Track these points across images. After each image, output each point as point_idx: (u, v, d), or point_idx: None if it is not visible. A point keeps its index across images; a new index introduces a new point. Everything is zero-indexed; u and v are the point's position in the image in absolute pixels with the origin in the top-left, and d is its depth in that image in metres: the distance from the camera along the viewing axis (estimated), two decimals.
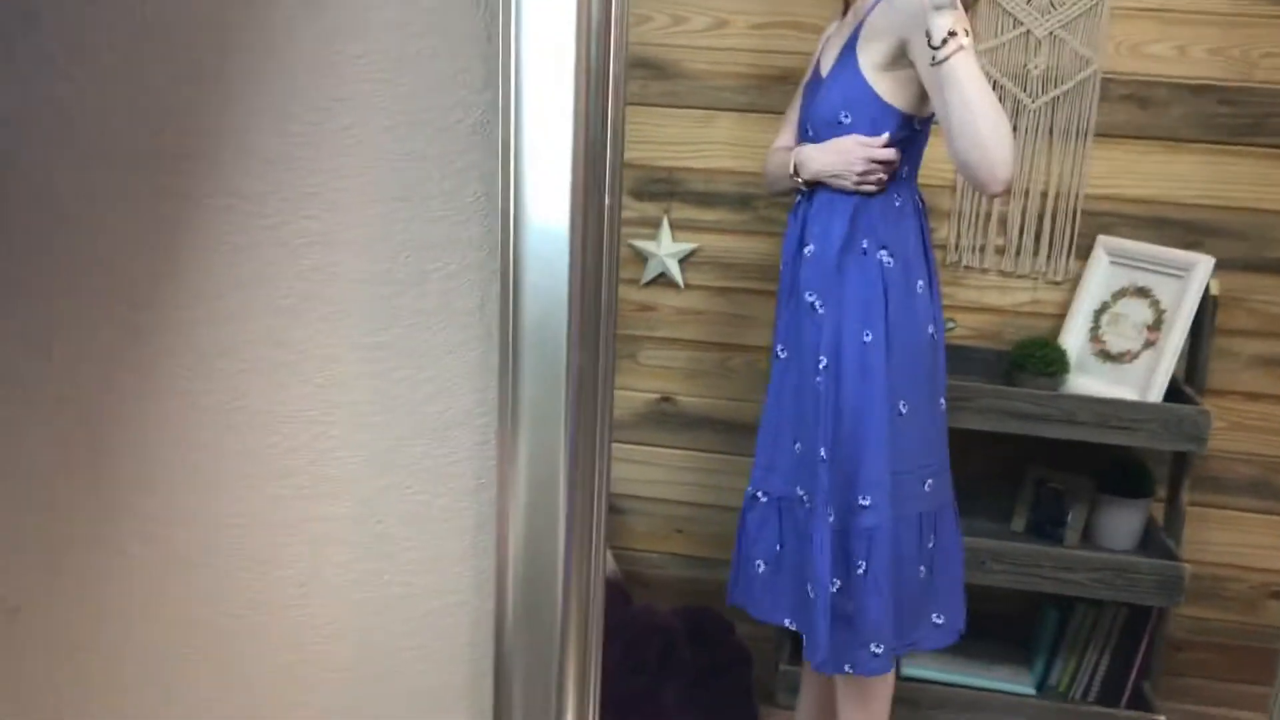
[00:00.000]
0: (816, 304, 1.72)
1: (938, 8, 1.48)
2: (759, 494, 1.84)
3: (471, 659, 1.03)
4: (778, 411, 1.81)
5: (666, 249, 2.35)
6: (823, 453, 1.71)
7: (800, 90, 1.85)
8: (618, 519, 2.56)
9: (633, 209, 2.36)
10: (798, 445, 1.78)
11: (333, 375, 0.95)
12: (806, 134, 1.76)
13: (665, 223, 2.35)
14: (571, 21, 0.71)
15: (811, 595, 1.74)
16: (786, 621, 1.81)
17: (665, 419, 2.47)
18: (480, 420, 0.94)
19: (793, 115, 1.87)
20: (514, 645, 0.90)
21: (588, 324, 0.77)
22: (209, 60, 0.90)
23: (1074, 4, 2.14)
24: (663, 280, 2.38)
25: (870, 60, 1.65)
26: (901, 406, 1.70)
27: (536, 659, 0.91)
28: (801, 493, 1.77)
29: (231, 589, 1.05)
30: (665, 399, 2.46)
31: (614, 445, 2.49)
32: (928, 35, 1.51)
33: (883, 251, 1.70)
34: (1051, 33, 2.16)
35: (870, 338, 1.68)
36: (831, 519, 1.72)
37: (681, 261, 2.37)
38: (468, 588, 1.00)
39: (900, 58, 1.62)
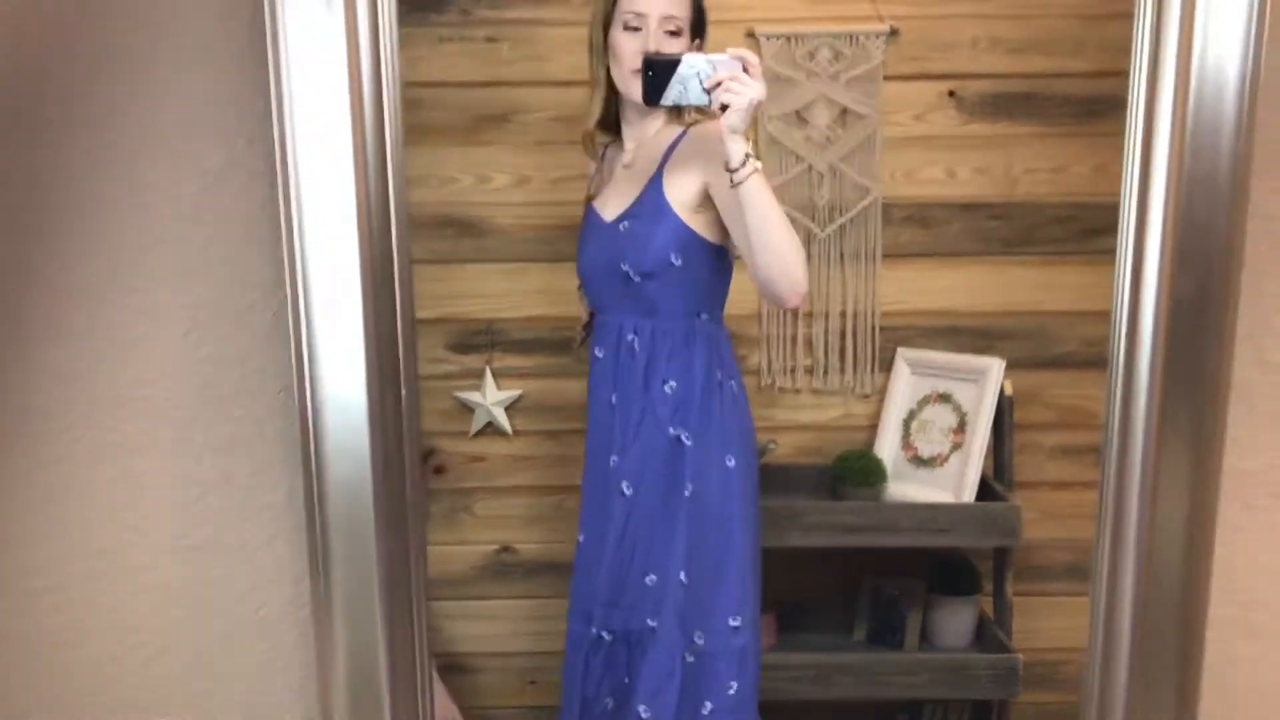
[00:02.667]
0: (684, 437, 1.76)
1: (734, 131, 1.56)
2: (602, 634, 1.83)
3: None
4: (622, 548, 1.81)
5: (492, 398, 2.38)
6: (682, 577, 1.74)
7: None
8: (468, 678, 2.51)
9: (454, 362, 2.38)
10: (650, 577, 1.79)
11: (146, 582, 0.93)
12: (611, 283, 1.80)
13: (488, 373, 2.37)
14: (353, 223, 0.74)
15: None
16: None
17: (506, 569, 2.46)
18: (301, 612, 0.93)
19: None
20: None
21: (394, 511, 0.78)
22: None
23: (849, 138, 2.30)
24: (491, 430, 2.40)
25: (680, 201, 1.72)
26: (755, 523, 1.79)
27: None
28: (653, 624, 1.78)
29: None
30: (504, 549, 2.45)
31: (456, 603, 2.43)
32: (725, 161, 1.59)
33: (731, 381, 1.80)
34: (832, 166, 2.31)
35: (733, 463, 1.77)
36: (701, 641, 1.75)
37: (508, 409, 2.39)
38: None
39: (705, 198, 1.71)
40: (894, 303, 2.36)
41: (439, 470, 2.42)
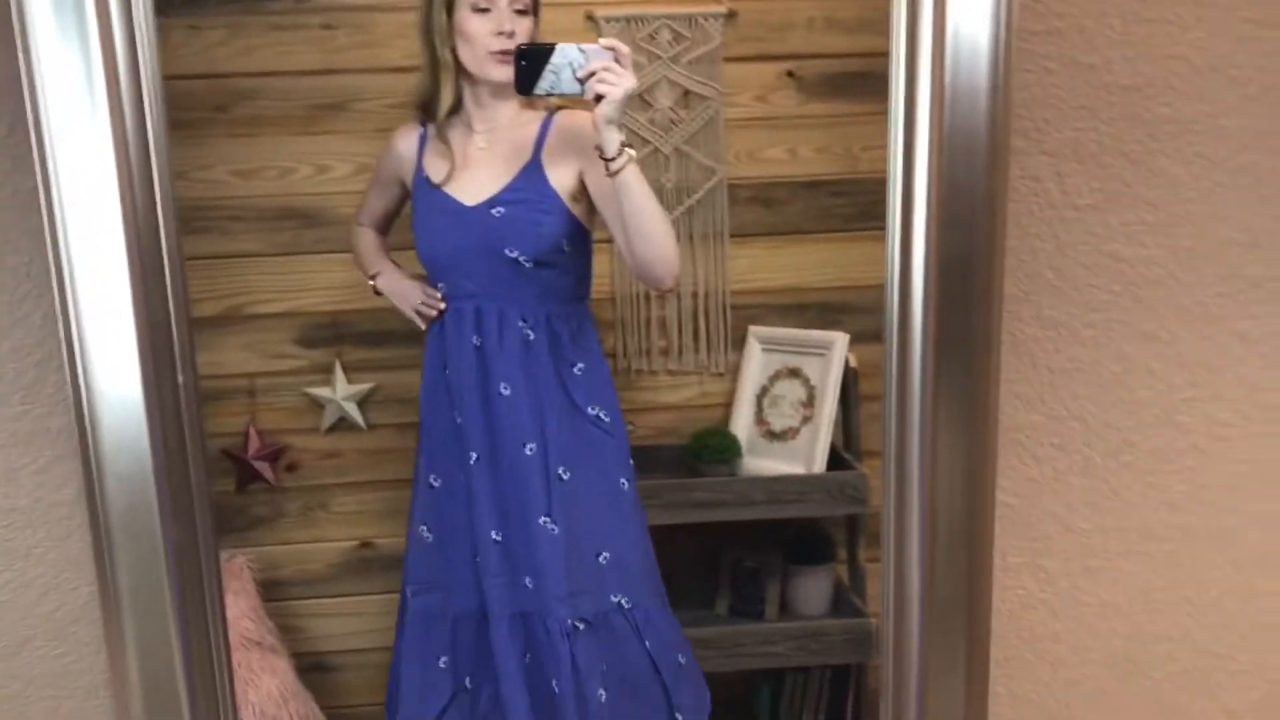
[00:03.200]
0: (602, 415, 1.82)
1: (609, 122, 1.60)
2: (577, 624, 1.81)
3: None
4: (573, 534, 1.81)
5: (342, 392, 2.34)
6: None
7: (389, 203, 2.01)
8: (329, 677, 2.47)
9: (303, 357, 2.33)
10: (604, 556, 1.82)
11: None
12: (486, 269, 1.80)
13: (338, 367, 2.34)
14: (117, 213, 0.72)
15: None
16: None
17: (366, 565, 2.43)
18: (100, 611, 0.90)
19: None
20: None
21: (180, 500, 0.76)
22: None
23: (693, 120, 2.32)
24: (344, 424, 2.36)
25: (564, 188, 1.76)
26: None
27: None
28: (617, 599, 1.82)
29: None
30: (364, 544, 2.42)
31: (316, 601, 2.38)
32: (600, 149, 1.63)
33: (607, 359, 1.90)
34: (677, 148, 2.33)
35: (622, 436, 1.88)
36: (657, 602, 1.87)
37: (361, 403, 2.36)
38: None
39: (582, 186, 1.77)
40: (743, 281, 2.39)
41: (292, 468, 2.38)
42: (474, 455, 1.83)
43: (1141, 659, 1.01)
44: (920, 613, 0.84)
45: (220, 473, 2.28)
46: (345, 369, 2.33)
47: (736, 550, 2.36)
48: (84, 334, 0.74)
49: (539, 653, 1.80)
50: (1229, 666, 1.01)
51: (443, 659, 1.91)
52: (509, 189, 1.78)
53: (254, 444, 2.30)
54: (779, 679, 2.35)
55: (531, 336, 1.80)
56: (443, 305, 1.87)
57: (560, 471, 1.80)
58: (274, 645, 2.22)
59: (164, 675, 0.79)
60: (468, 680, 1.89)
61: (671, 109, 2.32)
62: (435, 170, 1.84)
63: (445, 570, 1.91)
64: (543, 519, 1.79)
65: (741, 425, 2.36)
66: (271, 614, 2.29)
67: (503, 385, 1.80)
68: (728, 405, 2.41)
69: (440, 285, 1.87)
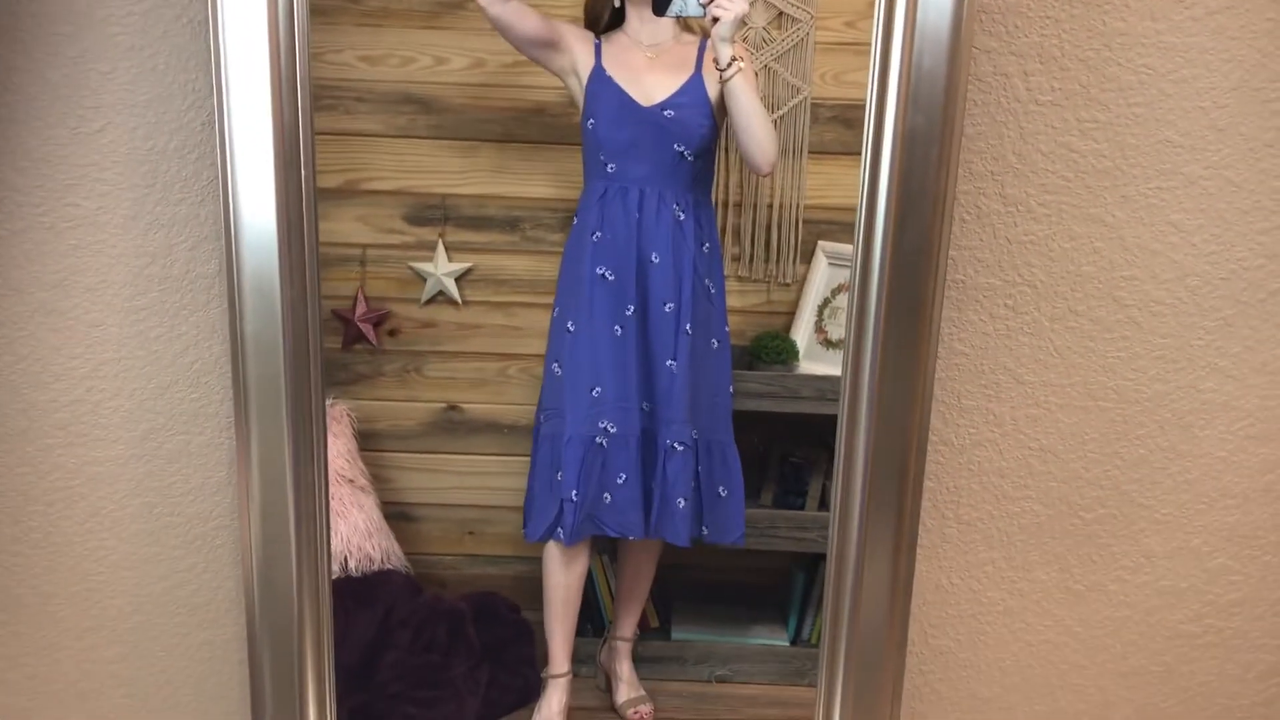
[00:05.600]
0: (712, 287, 2.34)
1: (722, 39, 2.09)
2: (677, 445, 2.29)
3: (236, 575, 1.23)
4: (694, 375, 2.30)
5: (443, 269, 2.58)
6: (731, 390, 2.40)
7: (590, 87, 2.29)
8: (411, 526, 2.74)
9: (409, 234, 2.57)
10: (717, 399, 2.34)
11: (100, 336, 1.15)
12: (659, 161, 2.22)
13: (440, 245, 2.57)
14: (265, 49, 0.94)
15: None
16: None
17: (453, 427, 2.68)
18: (229, 366, 1.15)
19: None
20: (259, 559, 1.10)
21: (294, 267, 0.99)
22: None
23: (783, 40, 2.48)
24: (442, 298, 2.61)
25: (713, 97, 2.22)
26: None
27: (275, 567, 1.11)
28: (717, 433, 2.34)
29: (21, 529, 1.22)
30: (451, 408, 2.67)
31: (405, 455, 2.70)
32: (715, 60, 2.11)
33: None
34: (766, 65, 2.49)
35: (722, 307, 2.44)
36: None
37: (458, 280, 2.60)
38: (228, 513, 1.20)
39: (720, 95, 2.20)
40: (817, 197, 2.55)
41: (393, 333, 2.63)
42: (630, 308, 2.25)
43: (1074, 500, 1.18)
44: (863, 474, 1.03)
45: (330, 331, 2.54)
46: (447, 248, 2.56)
47: (785, 447, 2.55)
48: (233, 139, 0.97)
49: (647, 465, 2.26)
50: (1151, 516, 1.18)
51: (558, 473, 2.32)
52: (678, 94, 2.21)
53: (360, 307, 2.56)
54: (813, 566, 2.55)
55: (682, 218, 2.22)
56: None
57: (686, 327, 2.23)
58: (364, 486, 2.50)
59: (272, 413, 1.03)
60: (573, 493, 2.30)
61: (765, 29, 2.48)
62: (614, 70, 2.24)
63: (568, 400, 2.33)
64: (669, 362, 2.24)
65: (801, 332, 2.54)
66: (364, 460, 2.57)
67: (654, 254, 2.22)
68: (791, 314, 2.59)
69: (611, 166, 2.25)
